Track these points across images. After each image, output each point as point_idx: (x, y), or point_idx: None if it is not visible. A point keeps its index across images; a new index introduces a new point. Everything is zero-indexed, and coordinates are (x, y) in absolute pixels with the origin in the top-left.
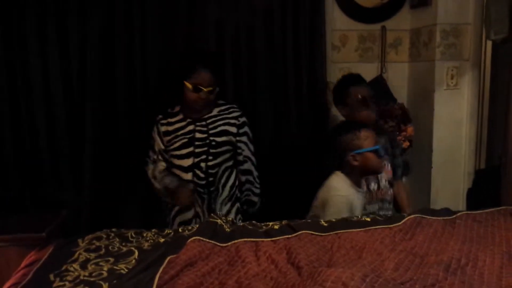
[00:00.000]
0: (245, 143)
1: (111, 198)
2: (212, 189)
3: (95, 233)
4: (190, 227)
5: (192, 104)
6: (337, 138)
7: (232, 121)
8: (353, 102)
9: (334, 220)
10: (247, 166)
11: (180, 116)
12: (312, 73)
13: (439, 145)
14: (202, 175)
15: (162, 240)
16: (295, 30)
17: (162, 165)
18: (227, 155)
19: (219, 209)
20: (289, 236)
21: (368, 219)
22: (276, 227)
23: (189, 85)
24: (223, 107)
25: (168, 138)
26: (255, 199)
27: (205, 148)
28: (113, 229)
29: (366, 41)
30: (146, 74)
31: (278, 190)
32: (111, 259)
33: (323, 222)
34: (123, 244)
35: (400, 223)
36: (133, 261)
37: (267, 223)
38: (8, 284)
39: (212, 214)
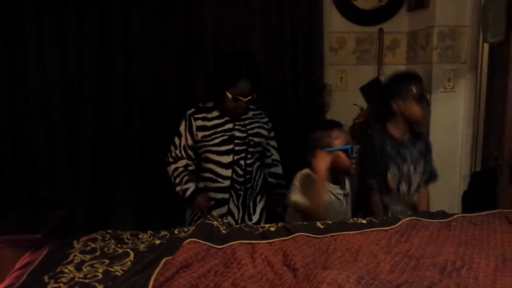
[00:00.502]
0: (274, 147)
1: (107, 199)
2: (248, 185)
3: (90, 234)
4: (186, 229)
5: (230, 111)
6: (310, 134)
7: (265, 125)
8: (410, 98)
9: (330, 222)
10: (278, 170)
11: (217, 113)
12: (309, 75)
13: (435, 148)
14: (241, 172)
15: (158, 242)
16: (292, 32)
17: (181, 163)
18: (257, 156)
19: (252, 207)
20: (285, 238)
21: (364, 221)
22: (272, 229)
23: (229, 95)
24: (256, 112)
25: (206, 133)
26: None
27: (245, 147)
28: (109, 231)
29: (364, 43)
30: (144, 74)
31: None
32: (107, 261)
33: (319, 224)
34: (119, 245)
35: (396, 226)
36: (129, 263)
37: (263, 225)
38: (2, 286)
39: (208, 216)
